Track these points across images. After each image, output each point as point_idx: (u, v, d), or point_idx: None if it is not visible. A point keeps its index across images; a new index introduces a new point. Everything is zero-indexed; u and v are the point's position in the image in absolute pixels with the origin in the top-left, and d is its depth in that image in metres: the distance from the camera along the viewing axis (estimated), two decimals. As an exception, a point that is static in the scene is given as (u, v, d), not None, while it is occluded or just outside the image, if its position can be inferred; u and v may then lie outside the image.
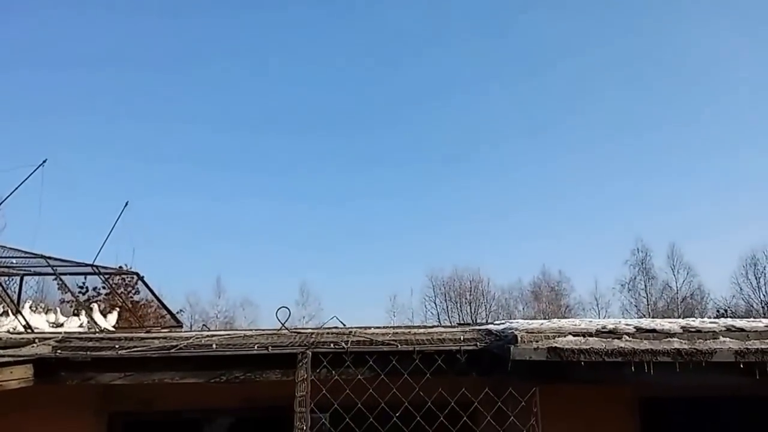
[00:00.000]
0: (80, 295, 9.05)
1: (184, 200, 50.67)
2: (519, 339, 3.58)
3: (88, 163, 46.08)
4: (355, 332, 4.08)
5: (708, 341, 3.68)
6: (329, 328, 4.60)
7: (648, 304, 39.55)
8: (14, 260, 6.03)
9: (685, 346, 3.60)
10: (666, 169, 51.85)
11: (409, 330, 4.44)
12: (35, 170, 5.95)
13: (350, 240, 51.78)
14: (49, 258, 6.06)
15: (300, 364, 3.57)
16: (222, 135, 51.29)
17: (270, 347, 3.72)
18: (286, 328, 4.13)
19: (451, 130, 52.14)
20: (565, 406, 4.45)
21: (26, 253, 5.92)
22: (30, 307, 5.75)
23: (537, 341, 3.59)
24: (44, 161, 6.22)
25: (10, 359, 3.39)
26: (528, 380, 3.64)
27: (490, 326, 4.23)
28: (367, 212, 52.53)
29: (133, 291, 13.74)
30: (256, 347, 3.72)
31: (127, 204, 6.94)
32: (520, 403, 3.60)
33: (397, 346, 3.73)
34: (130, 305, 9.69)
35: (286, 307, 4.17)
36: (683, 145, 50.42)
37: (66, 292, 9.88)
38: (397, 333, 4.18)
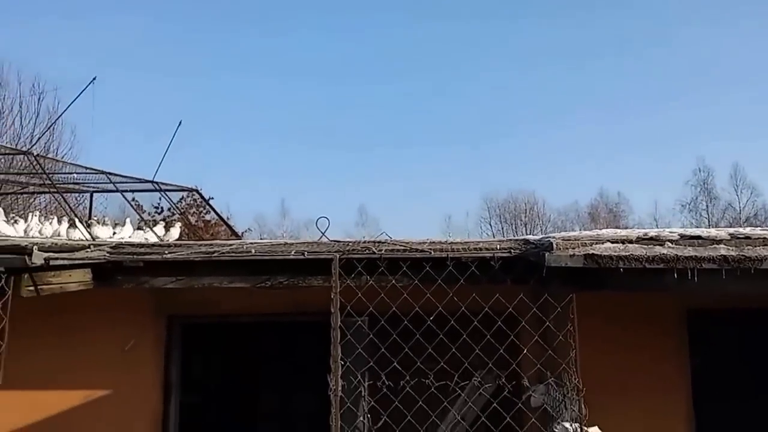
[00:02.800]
0: (144, 211, 9.50)
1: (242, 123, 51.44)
2: (555, 246, 3.53)
3: (143, 82, 47.03)
4: (391, 241, 4.14)
5: (757, 248, 3.52)
6: (370, 240, 4.69)
7: (710, 225, 37.99)
8: (82, 176, 6.37)
9: (732, 253, 3.45)
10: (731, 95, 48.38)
11: (446, 241, 4.46)
12: (86, 87, 6.12)
13: (408, 163, 51.55)
14: (112, 174, 6.36)
15: (334, 269, 3.66)
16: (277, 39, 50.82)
17: (306, 253, 3.83)
18: (326, 237, 4.22)
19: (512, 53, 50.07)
20: (606, 319, 4.42)
21: (92, 169, 6.23)
22: (97, 221, 6.13)
23: (573, 248, 3.53)
24: (94, 78, 6.38)
25: (66, 262, 3.63)
26: (564, 288, 3.61)
27: (528, 237, 4.19)
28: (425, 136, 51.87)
29: (205, 211, 14.31)
30: (293, 253, 3.84)
31: (180, 123, 7.11)
32: (556, 309, 3.59)
33: (430, 252, 3.76)
34: (193, 222, 10.10)
35: (326, 217, 4.25)
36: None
37: (131, 208, 10.42)
38: (433, 243, 4.21)
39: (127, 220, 6.30)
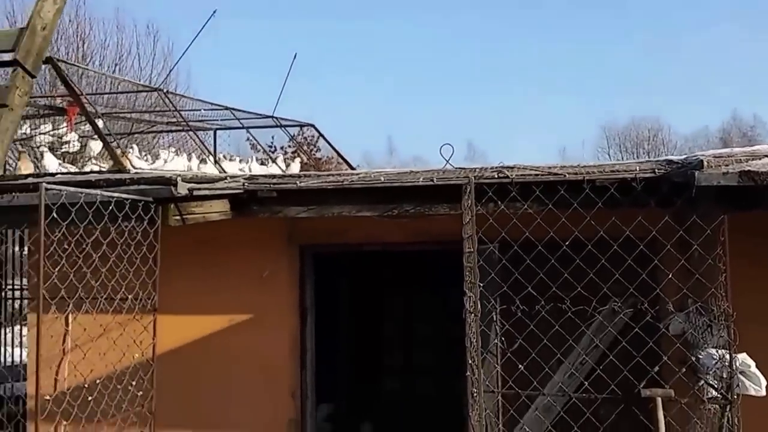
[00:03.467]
0: (266, 146, 9.77)
1: (356, 60, 51.32)
2: (705, 164, 3.28)
3: (257, 21, 47.55)
4: (522, 166, 4.01)
5: None
6: (498, 165, 4.58)
7: None
8: (206, 113, 6.60)
9: None
10: None
11: (578, 164, 4.28)
12: (208, 20, 6.20)
13: (519, 94, 49.79)
14: (235, 110, 6.55)
15: (465, 195, 3.60)
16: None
17: (435, 179, 3.78)
18: (451, 165, 4.15)
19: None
20: (757, 242, 4.12)
21: (218, 106, 6.44)
22: (223, 156, 6.39)
23: (726, 165, 3.27)
24: (215, 11, 6.45)
25: (207, 192, 3.80)
26: (714, 208, 3.37)
27: (670, 157, 3.93)
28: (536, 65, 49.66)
29: (315, 149, 14.59)
30: (421, 180, 3.80)
31: (295, 56, 7.13)
32: (705, 232, 3.38)
33: (565, 176, 3.62)
34: (305, 160, 10.31)
35: (450, 144, 4.17)
36: None
37: (253, 145, 10.75)
38: (565, 167, 4.04)
39: (251, 155, 6.52)
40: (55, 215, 3.11)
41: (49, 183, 3.16)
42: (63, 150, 5.74)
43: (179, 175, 3.68)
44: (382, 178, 3.91)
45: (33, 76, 3.92)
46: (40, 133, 5.67)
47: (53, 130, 6.19)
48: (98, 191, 3.33)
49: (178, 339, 4.75)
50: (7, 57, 3.95)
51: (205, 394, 4.83)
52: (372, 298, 6.95)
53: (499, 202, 3.63)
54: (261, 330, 4.77)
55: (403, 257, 5.81)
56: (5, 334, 6.12)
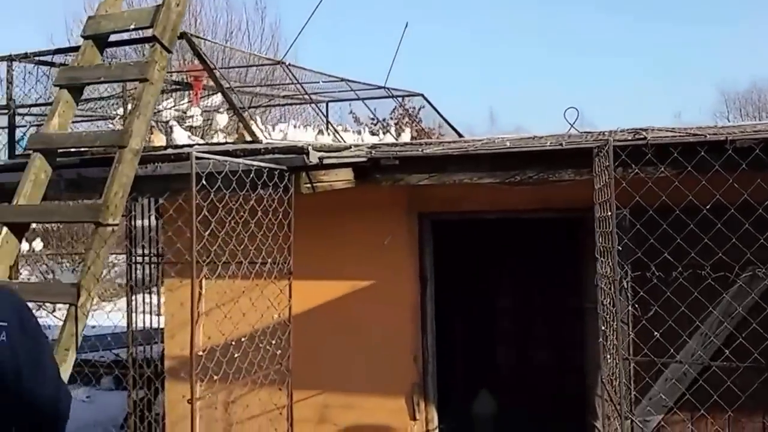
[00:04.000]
0: (369, 118, 9.87)
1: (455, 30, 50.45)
2: None
3: None
4: (656, 128, 3.86)
5: None
6: (628, 128, 4.42)
7: None
8: (321, 84, 6.75)
9: None
10: None
11: (714, 125, 4.07)
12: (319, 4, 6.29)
13: (630, 60, 47.37)
14: (350, 81, 6.65)
15: (597, 158, 3.50)
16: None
17: (564, 143, 3.70)
18: (575, 129, 4.04)
19: None
20: None
21: (333, 77, 6.57)
22: (340, 126, 6.53)
23: None
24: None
25: (336, 161, 3.92)
26: None
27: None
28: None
29: (418, 119, 14.59)
30: (548, 144, 3.74)
31: (407, 26, 7.14)
32: None
33: (705, 136, 3.45)
34: (415, 129, 10.33)
35: (575, 108, 4.05)
36: None
37: (356, 117, 10.92)
38: (702, 128, 3.85)
39: (364, 126, 6.62)
40: (204, 182, 3.30)
41: (199, 153, 3.34)
42: (187, 124, 6.03)
43: (310, 145, 3.81)
44: (508, 143, 3.87)
45: (169, 51, 4.15)
46: (164, 108, 6.00)
47: (175, 105, 6.52)
48: (241, 160, 3.50)
49: (306, 302, 4.95)
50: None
51: (332, 357, 5.03)
52: (488, 266, 6.93)
53: (633, 166, 3.51)
54: (383, 296, 4.89)
55: (521, 225, 5.73)
56: (138, 300, 6.51)
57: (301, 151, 3.68)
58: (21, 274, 7.97)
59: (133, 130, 3.77)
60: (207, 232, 3.44)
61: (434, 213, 4.88)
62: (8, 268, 3.89)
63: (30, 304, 2.34)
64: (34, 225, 8.87)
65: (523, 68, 48.43)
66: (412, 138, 7.03)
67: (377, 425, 4.95)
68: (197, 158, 3.24)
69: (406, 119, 12.14)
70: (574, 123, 4.12)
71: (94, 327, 9.96)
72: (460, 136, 7.32)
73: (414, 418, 4.89)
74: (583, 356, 4.96)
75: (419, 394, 4.89)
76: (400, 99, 8.54)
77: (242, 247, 3.84)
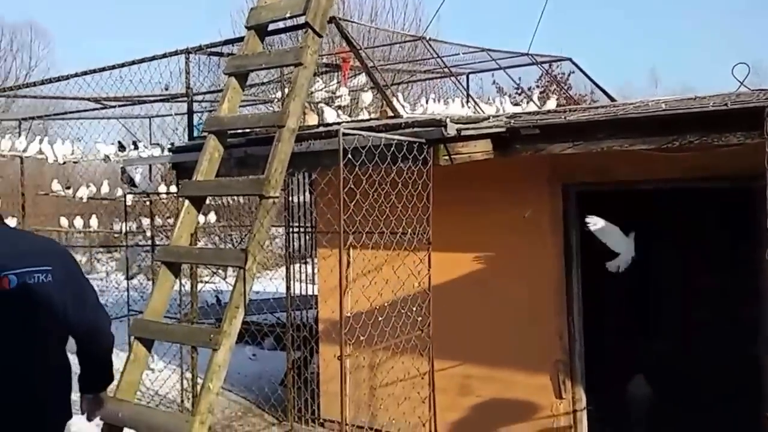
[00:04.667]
0: (514, 88, 9.69)
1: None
2: None
3: None
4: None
5: None
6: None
7: None
8: (461, 56, 6.81)
9: None
10: None
11: None
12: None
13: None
14: (491, 50, 6.64)
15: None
16: None
17: (729, 103, 3.46)
18: (746, 86, 3.78)
19: None
20: None
21: (473, 47, 6.61)
22: (479, 99, 6.56)
23: None
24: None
25: (474, 132, 4.01)
26: None
27: None
28: None
29: (566, 86, 14.08)
30: (711, 105, 3.51)
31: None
32: None
33: None
34: (564, 96, 10.00)
35: (745, 63, 3.78)
36: None
37: (500, 88, 10.74)
38: None
39: (506, 97, 6.59)
40: (350, 157, 3.56)
41: (346, 129, 3.61)
42: (336, 104, 6.37)
43: (448, 117, 3.94)
44: (663, 106, 3.69)
45: (320, 36, 4.44)
46: (316, 90, 6.39)
47: (326, 86, 6.90)
48: (383, 135, 3.73)
49: (446, 274, 5.07)
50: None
51: (474, 329, 5.11)
52: (641, 243, 6.63)
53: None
54: (525, 270, 4.87)
55: (677, 197, 5.42)
56: (296, 268, 6.97)
57: (438, 123, 3.82)
58: (199, 242, 8.89)
59: (290, 110, 4.10)
60: (353, 204, 3.69)
61: (580, 183, 4.74)
62: (189, 235, 4.43)
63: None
64: (209, 199, 9.87)
65: (688, 22, 44.52)
66: (558, 106, 6.87)
67: (521, 400, 4.98)
68: (344, 134, 3.51)
69: (554, 86, 11.78)
70: (744, 81, 3.85)
71: (258, 293, 10.90)
72: (613, 100, 7.04)
73: (559, 397, 4.86)
74: (752, 340, 4.60)
75: (565, 373, 4.83)
76: (546, 66, 8.35)
77: (384, 217, 4.06)
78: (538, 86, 12.12)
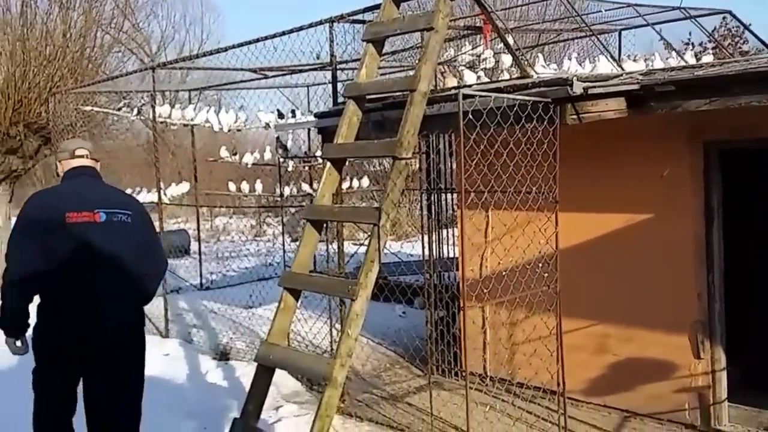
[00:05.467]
0: (665, 42, 9.03)
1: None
2: None
3: None
4: None
5: None
6: None
7: None
8: (609, 13, 6.56)
9: None
10: None
11: None
12: None
13: None
14: (640, 5, 6.33)
15: None
16: None
17: None
18: None
19: None
20: None
21: (619, 3, 6.33)
22: (627, 57, 6.29)
23: None
24: None
25: (602, 90, 3.96)
26: None
27: None
28: None
29: (741, 40, 12.90)
30: None
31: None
32: None
33: None
34: (728, 54, 9.18)
35: None
36: None
37: (668, 44, 10.02)
38: None
39: (655, 53, 6.27)
40: (471, 117, 3.70)
41: (466, 91, 3.75)
42: (482, 67, 6.43)
43: (575, 76, 3.92)
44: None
45: (452, -1, 4.56)
46: (460, 54, 6.48)
47: (472, 49, 6.96)
48: (504, 95, 3.82)
49: (577, 232, 5.12)
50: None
51: (610, 288, 5.12)
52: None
53: None
54: (661, 229, 4.78)
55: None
56: (440, 231, 7.19)
57: (564, 83, 3.83)
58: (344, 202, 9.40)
59: (421, 74, 4.29)
60: (486, 165, 3.82)
61: (723, 141, 4.55)
62: (331, 195, 4.81)
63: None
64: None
65: None
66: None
67: (658, 360, 4.95)
68: (464, 96, 3.64)
69: (727, 41, 10.86)
70: None
71: (411, 255, 11.30)
72: (784, 55, 6.43)
73: (698, 357, 4.78)
74: None
75: (703, 333, 4.73)
76: (701, 20, 7.75)
77: (517, 178, 4.17)
78: (702, 44, 11.22)
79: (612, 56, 6.37)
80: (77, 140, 4.38)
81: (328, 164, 4.72)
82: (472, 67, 6.15)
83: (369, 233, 4.26)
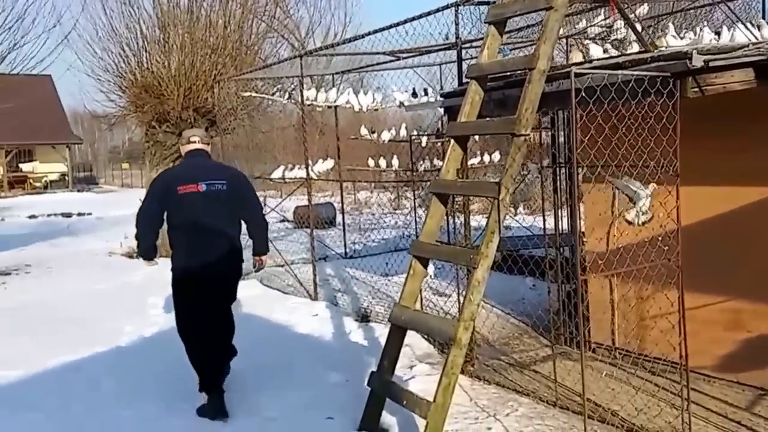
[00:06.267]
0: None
1: None
2: None
3: None
4: None
5: None
6: None
7: None
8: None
9: None
10: None
11: None
12: None
13: None
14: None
15: None
16: None
17: None
18: None
19: None
20: None
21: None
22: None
23: None
24: None
25: (724, 63, 3.88)
26: None
27: None
28: None
29: None
30: None
31: None
32: None
33: None
34: None
35: None
36: None
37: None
38: None
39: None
40: (584, 95, 3.82)
41: (578, 69, 3.86)
42: (612, 38, 6.32)
43: (694, 49, 3.87)
44: None
45: (570, -21, 4.62)
46: (590, 26, 6.40)
47: (604, 20, 6.83)
48: (617, 72, 3.87)
49: (706, 205, 5.03)
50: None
51: (741, 263, 5.00)
52: None
53: None
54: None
55: None
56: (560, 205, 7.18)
57: (684, 56, 3.79)
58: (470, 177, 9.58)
59: (539, 53, 4.44)
60: (601, 139, 3.91)
61: None
62: (455, 170, 5.11)
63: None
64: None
65: None
66: None
67: (797, 336, 4.76)
68: (576, 75, 3.75)
69: None
70: None
71: (541, 228, 11.27)
72: None
73: (842, 334, 4.57)
74: None
75: None
76: None
77: (635, 151, 4.22)
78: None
79: (741, 23, 6.00)
80: (192, 129, 5.88)
81: (452, 141, 5.02)
82: (604, 38, 6.08)
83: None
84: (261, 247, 5.51)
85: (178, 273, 5.17)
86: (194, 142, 5.32)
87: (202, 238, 5.02)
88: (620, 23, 6.58)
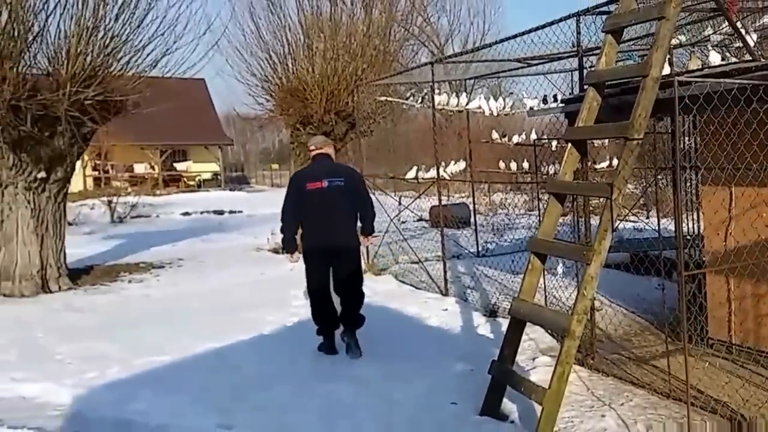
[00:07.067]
0: None
1: None
2: None
3: None
4: None
5: None
6: None
7: None
8: None
9: None
10: None
11: None
12: None
13: None
14: None
15: None
16: None
17: None
18: None
19: None
20: None
21: None
22: None
23: None
24: None
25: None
26: None
27: None
28: None
29: None
30: None
31: None
32: None
33: None
34: None
35: None
36: None
37: None
38: None
39: None
40: (687, 101, 4.05)
41: (682, 78, 4.10)
42: (737, 45, 6.28)
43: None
44: None
45: (681, -12, 4.78)
46: (712, 33, 6.38)
47: (725, 27, 6.77)
48: (720, 80, 4.07)
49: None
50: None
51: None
52: None
53: None
54: None
55: None
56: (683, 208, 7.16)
57: (789, 64, 3.92)
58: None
59: (652, 61, 4.66)
60: (717, 144, 4.06)
61: None
62: (572, 172, 5.43)
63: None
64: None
65: None
66: None
67: None
68: (680, 83, 4.00)
69: None
70: None
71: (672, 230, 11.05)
72: None
73: None
74: None
75: None
76: None
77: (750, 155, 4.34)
78: None
79: None
80: (314, 137, 7.45)
81: (570, 145, 5.34)
82: (726, 46, 6.10)
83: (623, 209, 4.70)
84: (367, 228, 6.78)
85: (307, 246, 6.59)
86: (317, 147, 6.74)
87: (326, 221, 6.41)
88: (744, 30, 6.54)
